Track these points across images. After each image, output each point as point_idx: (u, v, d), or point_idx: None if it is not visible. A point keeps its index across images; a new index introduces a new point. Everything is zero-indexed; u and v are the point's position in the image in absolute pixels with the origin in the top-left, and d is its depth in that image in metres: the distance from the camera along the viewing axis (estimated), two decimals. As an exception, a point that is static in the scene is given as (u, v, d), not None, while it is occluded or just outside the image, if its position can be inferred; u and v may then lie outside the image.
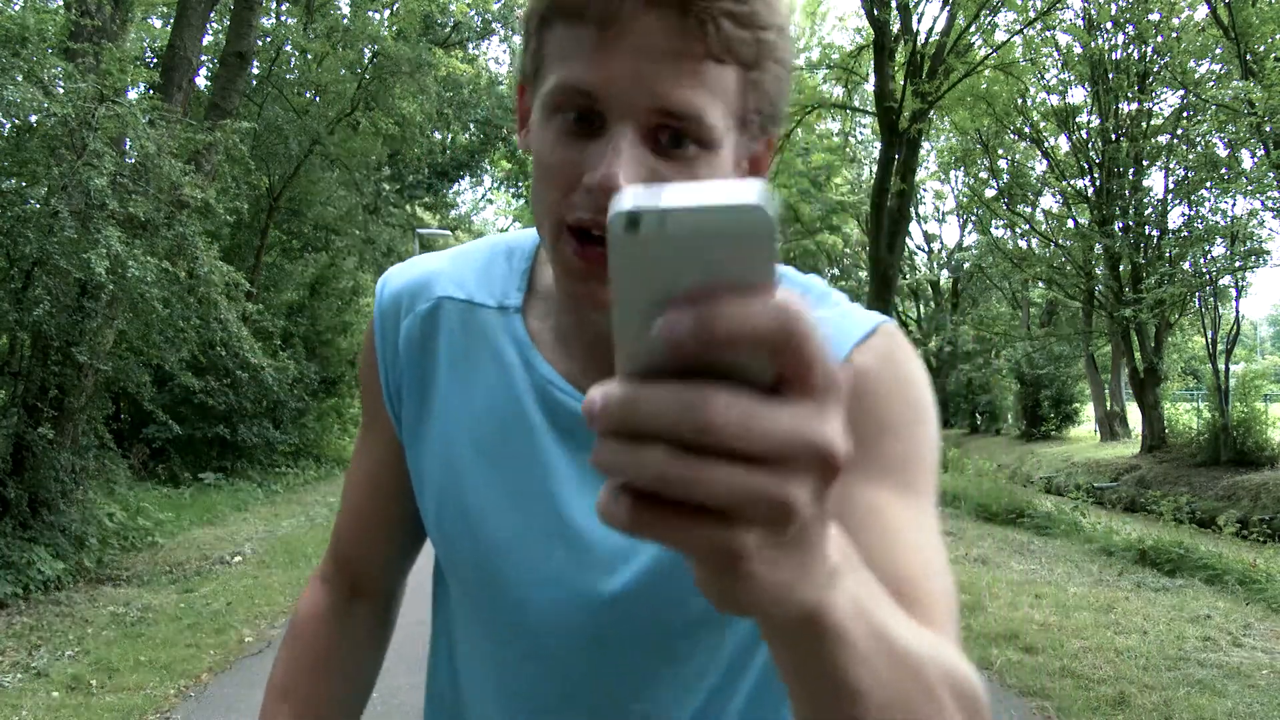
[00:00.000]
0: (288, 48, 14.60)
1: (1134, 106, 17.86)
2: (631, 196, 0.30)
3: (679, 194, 0.30)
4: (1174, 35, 15.94)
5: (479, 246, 0.79)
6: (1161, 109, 18.25)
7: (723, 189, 0.30)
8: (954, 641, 0.54)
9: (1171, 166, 18.21)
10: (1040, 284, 24.54)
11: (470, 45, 22.47)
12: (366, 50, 14.20)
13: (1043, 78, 19.01)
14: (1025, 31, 15.22)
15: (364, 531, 0.85)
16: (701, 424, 0.29)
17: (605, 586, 0.69)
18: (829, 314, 0.69)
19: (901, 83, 14.32)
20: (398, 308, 0.77)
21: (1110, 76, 17.41)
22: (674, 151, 0.58)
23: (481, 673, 0.77)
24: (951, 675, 0.45)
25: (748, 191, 0.30)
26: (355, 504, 0.85)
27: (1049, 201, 21.86)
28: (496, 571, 0.71)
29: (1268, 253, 14.93)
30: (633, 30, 0.55)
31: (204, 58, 10.57)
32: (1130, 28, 16.40)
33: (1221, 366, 15.85)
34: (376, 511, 0.84)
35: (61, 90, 5.84)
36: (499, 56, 26.94)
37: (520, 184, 29.15)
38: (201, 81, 11.01)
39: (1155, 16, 15.70)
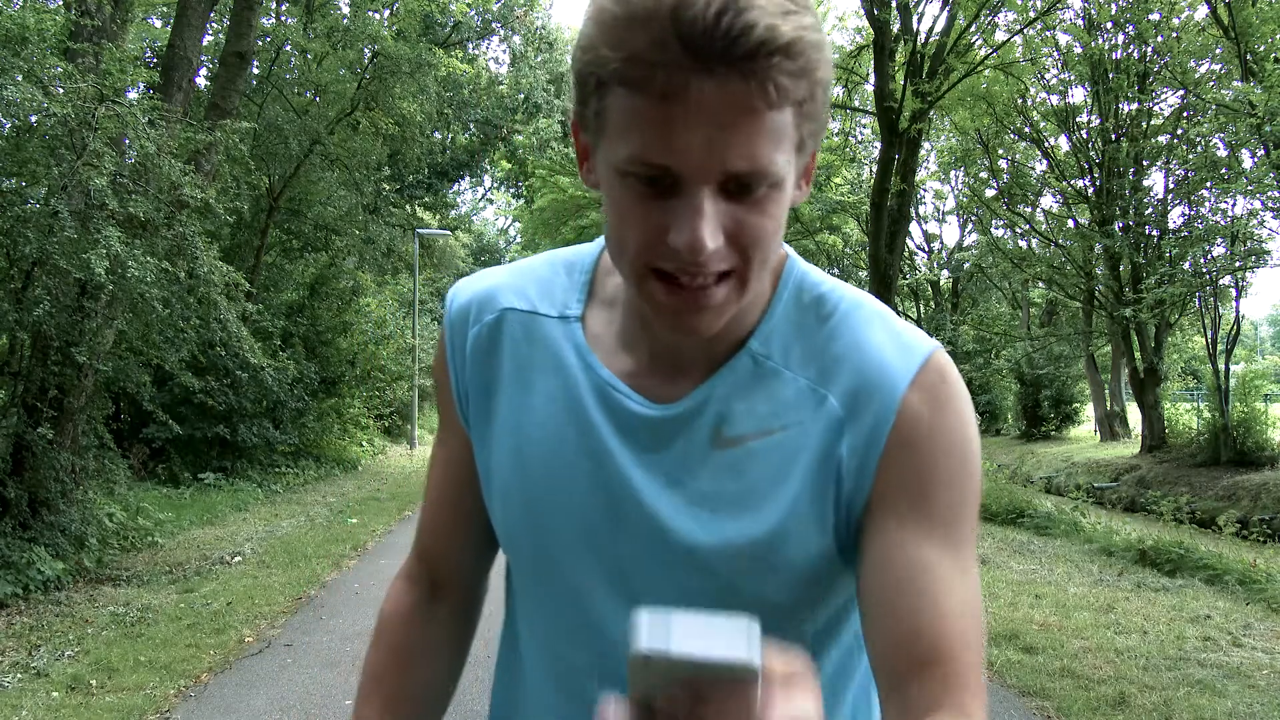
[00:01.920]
0: (288, 48, 14.61)
1: (1134, 106, 17.86)
2: (647, 635, 0.38)
3: (687, 636, 0.38)
4: (1174, 35, 15.94)
5: (540, 261, 0.85)
6: (1161, 109, 18.27)
7: (723, 636, 0.38)
8: (974, 708, 0.61)
9: (1171, 166, 18.21)
10: (1040, 284, 24.54)
11: (470, 45, 22.50)
12: (366, 50, 14.20)
13: (1043, 78, 19.00)
14: (1025, 31, 15.20)
15: (442, 525, 0.90)
16: None
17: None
18: (881, 341, 0.71)
19: (901, 83, 14.30)
20: (465, 318, 0.82)
21: (1110, 76, 17.40)
22: (746, 197, 0.61)
23: (537, 652, 0.82)
24: None
25: (739, 644, 0.38)
26: (434, 499, 0.90)
27: (1049, 201, 21.89)
28: (558, 561, 0.76)
29: (1268, 253, 14.95)
30: (697, 101, 0.56)
31: (204, 58, 10.58)
32: (1130, 28, 16.39)
33: (1221, 366, 15.85)
34: (452, 505, 0.88)
35: (61, 90, 5.84)
36: (499, 56, 26.95)
37: (520, 184, 29.15)
38: (201, 81, 11.01)
39: (1155, 16, 15.69)
